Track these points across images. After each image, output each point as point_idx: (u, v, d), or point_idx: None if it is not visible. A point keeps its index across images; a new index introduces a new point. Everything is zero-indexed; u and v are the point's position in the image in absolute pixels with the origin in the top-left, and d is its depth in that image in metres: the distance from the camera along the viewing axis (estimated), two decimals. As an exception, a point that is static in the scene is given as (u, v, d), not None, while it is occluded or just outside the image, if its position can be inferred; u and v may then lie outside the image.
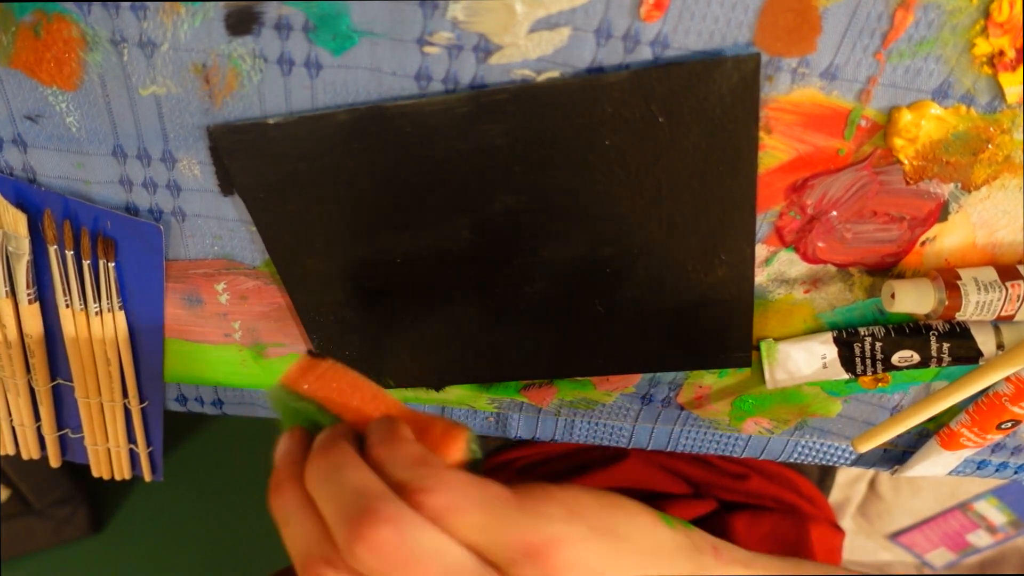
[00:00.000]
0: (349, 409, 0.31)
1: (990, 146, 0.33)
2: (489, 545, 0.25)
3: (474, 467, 0.29)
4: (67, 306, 0.41)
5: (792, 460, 0.48)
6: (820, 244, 0.37)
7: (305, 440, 0.30)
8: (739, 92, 0.31)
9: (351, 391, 0.31)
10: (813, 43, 0.30)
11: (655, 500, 0.57)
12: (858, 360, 0.40)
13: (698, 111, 0.32)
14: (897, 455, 0.48)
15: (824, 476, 0.71)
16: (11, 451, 0.49)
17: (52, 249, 0.38)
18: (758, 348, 0.41)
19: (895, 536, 1.11)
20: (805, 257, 0.37)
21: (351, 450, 0.27)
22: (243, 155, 0.34)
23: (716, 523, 0.58)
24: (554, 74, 0.31)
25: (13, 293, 0.40)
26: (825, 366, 0.40)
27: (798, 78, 0.31)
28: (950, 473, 0.48)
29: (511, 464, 0.64)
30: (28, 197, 0.37)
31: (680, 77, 0.31)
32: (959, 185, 0.34)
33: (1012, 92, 0.31)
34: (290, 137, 0.33)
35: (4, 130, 0.35)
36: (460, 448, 0.29)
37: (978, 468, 0.48)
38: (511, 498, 0.26)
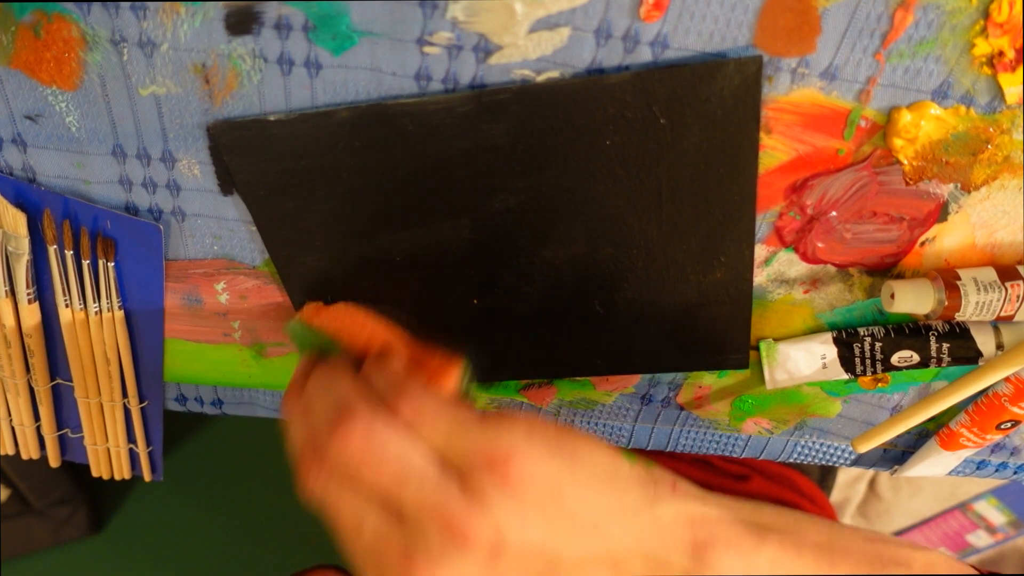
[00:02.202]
0: (357, 341, 0.35)
1: (990, 146, 0.33)
2: (451, 453, 0.28)
3: (465, 398, 0.34)
4: (67, 306, 0.41)
5: (792, 460, 0.48)
6: (820, 244, 0.37)
7: (316, 362, 0.34)
8: (741, 94, 0.31)
9: (360, 327, 0.36)
10: (813, 43, 0.30)
11: None
12: (858, 360, 0.40)
13: (700, 113, 0.32)
14: (897, 455, 0.48)
15: (825, 476, 0.71)
16: (11, 451, 0.49)
17: (52, 249, 0.38)
18: (757, 348, 0.41)
19: (895, 536, 1.11)
20: (804, 257, 0.37)
21: (346, 368, 0.32)
22: (243, 152, 0.34)
23: None
24: (554, 74, 0.31)
25: (13, 293, 0.40)
26: (825, 366, 0.40)
27: (798, 78, 0.31)
28: (950, 473, 0.48)
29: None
30: (28, 197, 0.37)
31: (682, 79, 0.31)
32: (959, 185, 0.34)
33: (1012, 92, 0.31)
34: (291, 134, 0.33)
35: (4, 130, 0.35)
36: (453, 379, 0.33)
37: (978, 468, 0.48)
38: (476, 416, 0.29)
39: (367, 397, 0.30)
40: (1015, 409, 0.39)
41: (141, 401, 0.46)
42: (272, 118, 0.33)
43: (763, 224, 0.36)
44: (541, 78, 0.31)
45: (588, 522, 0.28)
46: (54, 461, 0.50)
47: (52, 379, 0.45)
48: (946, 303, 0.35)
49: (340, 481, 0.29)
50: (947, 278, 0.35)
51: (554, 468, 0.28)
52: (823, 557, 0.31)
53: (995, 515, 1.05)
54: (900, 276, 0.38)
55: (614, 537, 0.29)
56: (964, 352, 0.38)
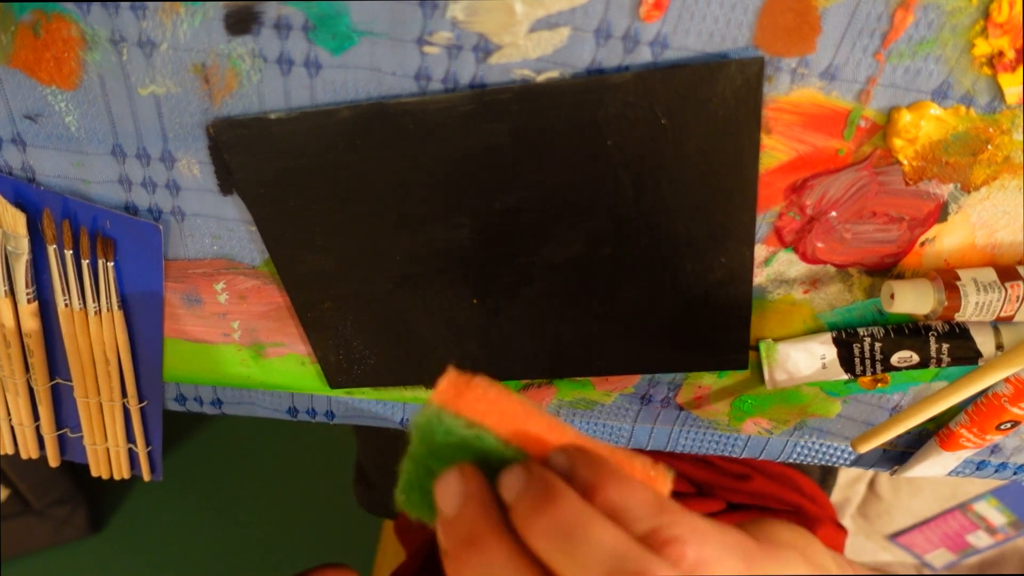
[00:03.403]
0: (527, 439, 0.25)
1: (989, 147, 0.33)
2: None
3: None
4: (66, 305, 0.41)
5: (791, 460, 0.48)
6: (819, 244, 0.37)
7: (484, 480, 0.25)
8: (742, 94, 0.31)
9: (523, 416, 0.25)
10: (813, 43, 0.30)
11: None
12: (857, 360, 0.40)
13: (701, 113, 0.32)
14: (896, 455, 0.48)
15: (826, 476, 0.71)
16: (10, 451, 0.49)
17: (51, 248, 0.38)
18: (757, 348, 0.41)
19: (895, 536, 1.11)
20: (804, 257, 0.37)
21: (582, 500, 0.23)
22: (243, 150, 0.34)
23: (722, 522, 0.58)
24: (554, 74, 0.31)
25: (12, 292, 0.40)
26: (824, 366, 0.40)
27: (798, 78, 0.31)
28: (949, 474, 0.48)
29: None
30: (27, 196, 0.37)
31: (684, 79, 0.31)
32: (958, 186, 0.34)
33: (1011, 93, 0.31)
34: (291, 133, 0.33)
35: (3, 129, 0.35)
36: (666, 489, 0.25)
37: (977, 469, 0.48)
38: (755, 545, 0.25)
39: (645, 548, 0.23)
40: (1015, 410, 0.39)
41: (140, 401, 0.46)
42: (273, 116, 0.33)
43: (763, 224, 0.36)
44: (541, 78, 0.31)
45: None
46: (53, 461, 0.50)
47: (51, 379, 0.45)
48: (946, 303, 0.35)
49: None
50: (947, 278, 0.35)
51: None
52: None
53: (995, 515, 1.05)
54: (900, 276, 0.38)
55: None
56: (964, 352, 0.38)
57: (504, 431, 0.25)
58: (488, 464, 0.24)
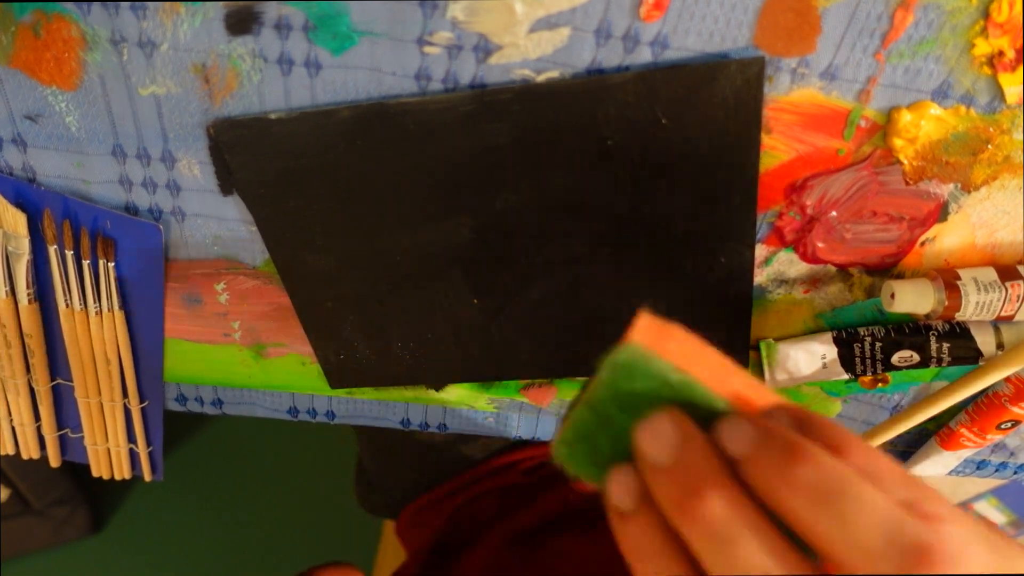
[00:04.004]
0: (732, 395, 0.23)
1: (989, 146, 0.33)
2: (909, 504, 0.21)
3: None
4: (67, 306, 0.41)
5: (792, 460, 0.48)
6: (820, 244, 0.37)
7: (698, 428, 0.23)
8: (742, 94, 0.31)
9: (727, 371, 0.23)
10: (813, 43, 0.30)
11: None
12: (858, 360, 0.40)
13: (701, 113, 0.32)
14: (897, 455, 0.48)
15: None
16: (11, 451, 0.49)
17: (52, 249, 0.38)
18: (757, 348, 0.41)
19: None
20: (805, 257, 0.37)
21: (838, 460, 0.21)
22: (244, 150, 0.34)
23: None
24: (554, 74, 0.31)
25: (13, 293, 0.40)
26: (825, 366, 0.40)
27: (798, 78, 0.31)
28: (950, 473, 0.48)
29: (516, 465, 0.64)
30: (28, 197, 0.37)
31: (684, 79, 0.31)
32: (959, 185, 0.34)
33: (1011, 92, 0.31)
34: (292, 133, 0.33)
35: (4, 130, 0.35)
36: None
37: (978, 468, 0.48)
38: (996, 534, 0.23)
39: (915, 517, 0.21)
40: (1015, 409, 0.39)
41: (141, 401, 0.46)
42: (273, 116, 0.33)
43: (763, 224, 0.36)
44: (541, 78, 0.31)
45: None
46: (54, 461, 0.50)
47: (52, 379, 0.45)
48: (946, 303, 0.35)
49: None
50: (947, 278, 0.35)
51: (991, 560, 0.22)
52: None
53: (995, 515, 1.05)
54: (900, 276, 0.38)
55: None
56: (964, 352, 0.38)
57: (711, 382, 0.23)
58: (695, 412, 0.22)
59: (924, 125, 0.32)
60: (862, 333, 0.39)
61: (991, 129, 0.32)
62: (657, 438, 0.22)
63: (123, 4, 0.30)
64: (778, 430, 0.22)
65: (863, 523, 0.20)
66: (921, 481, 0.23)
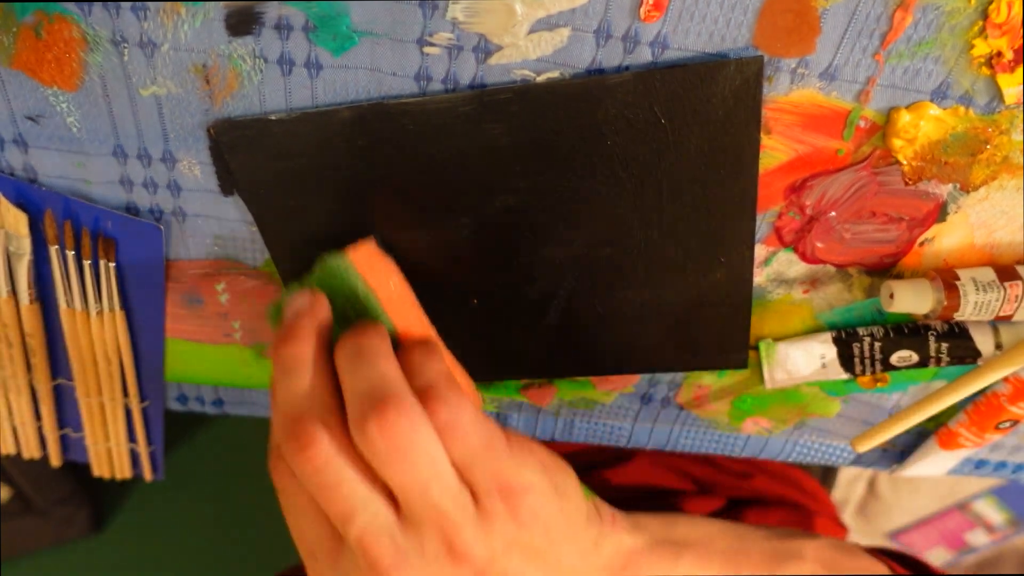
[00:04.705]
0: (399, 318, 0.31)
1: (988, 147, 0.33)
2: (473, 471, 0.28)
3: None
4: (68, 306, 0.41)
5: (791, 460, 0.48)
6: (819, 244, 0.37)
7: (328, 308, 0.31)
8: (741, 94, 0.31)
9: (408, 307, 0.32)
10: (812, 44, 0.30)
11: (665, 497, 0.57)
12: (857, 360, 0.40)
13: (700, 113, 0.32)
14: (896, 455, 0.48)
15: (826, 474, 0.71)
16: (12, 451, 0.49)
17: (53, 249, 0.38)
18: (757, 348, 0.41)
19: (894, 535, 1.11)
20: (804, 257, 0.37)
21: (389, 346, 0.29)
22: (244, 151, 0.34)
23: (726, 518, 0.58)
24: (554, 74, 0.31)
25: (14, 293, 0.40)
26: (824, 366, 0.40)
27: (797, 79, 0.31)
28: (948, 472, 0.48)
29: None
30: (29, 197, 0.37)
31: (683, 79, 0.31)
32: (957, 186, 0.34)
33: (1010, 93, 0.31)
34: (292, 133, 0.33)
35: (5, 130, 0.35)
36: (479, 401, 0.33)
37: (976, 468, 0.48)
38: (503, 440, 0.29)
39: (411, 390, 0.28)
40: (1014, 409, 0.39)
41: (142, 401, 0.46)
42: (273, 117, 0.33)
43: (762, 224, 0.36)
44: (541, 78, 0.32)
45: (566, 567, 0.30)
46: (55, 461, 0.50)
47: (53, 379, 0.45)
48: (945, 303, 0.35)
49: (353, 461, 0.27)
50: (946, 278, 0.35)
51: (555, 509, 0.29)
52: (729, 561, 0.36)
53: (994, 514, 1.05)
54: (899, 276, 0.38)
55: None
56: (963, 352, 0.38)
57: (391, 310, 0.31)
58: (354, 311, 0.31)
59: (923, 125, 0.32)
60: (861, 333, 0.39)
61: (990, 130, 0.32)
62: (293, 302, 0.31)
63: (124, 5, 0.30)
64: (373, 324, 0.30)
65: (364, 375, 0.28)
66: (503, 451, 0.28)
